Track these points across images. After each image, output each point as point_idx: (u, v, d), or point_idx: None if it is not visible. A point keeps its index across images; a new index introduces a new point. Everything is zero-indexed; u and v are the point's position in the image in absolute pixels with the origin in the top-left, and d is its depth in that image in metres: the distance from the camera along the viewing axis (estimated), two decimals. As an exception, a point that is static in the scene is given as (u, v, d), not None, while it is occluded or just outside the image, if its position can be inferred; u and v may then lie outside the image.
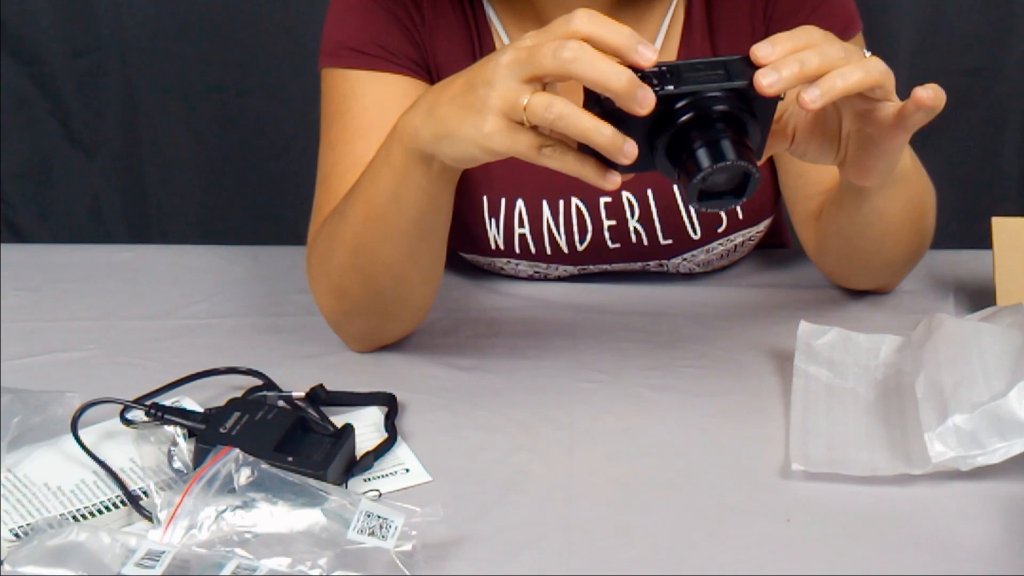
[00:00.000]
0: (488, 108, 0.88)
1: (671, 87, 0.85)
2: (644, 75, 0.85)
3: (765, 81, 0.85)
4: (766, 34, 1.16)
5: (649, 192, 1.19)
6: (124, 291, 1.27)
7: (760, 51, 0.86)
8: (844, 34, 1.16)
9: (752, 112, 0.87)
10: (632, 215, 1.20)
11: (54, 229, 2.12)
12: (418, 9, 1.17)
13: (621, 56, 0.85)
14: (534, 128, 0.88)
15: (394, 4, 1.16)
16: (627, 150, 0.86)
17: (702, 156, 0.86)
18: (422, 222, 1.03)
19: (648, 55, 0.85)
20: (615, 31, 0.86)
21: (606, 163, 0.89)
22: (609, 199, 1.20)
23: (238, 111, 2.05)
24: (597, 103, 0.86)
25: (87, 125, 2.08)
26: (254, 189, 2.11)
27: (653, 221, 1.20)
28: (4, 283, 1.26)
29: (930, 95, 0.91)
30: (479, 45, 1.18)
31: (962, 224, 1.77)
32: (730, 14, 1.16)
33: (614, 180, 0.89)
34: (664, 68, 0.85)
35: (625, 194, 1.20)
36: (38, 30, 2.01)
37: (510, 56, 0.88)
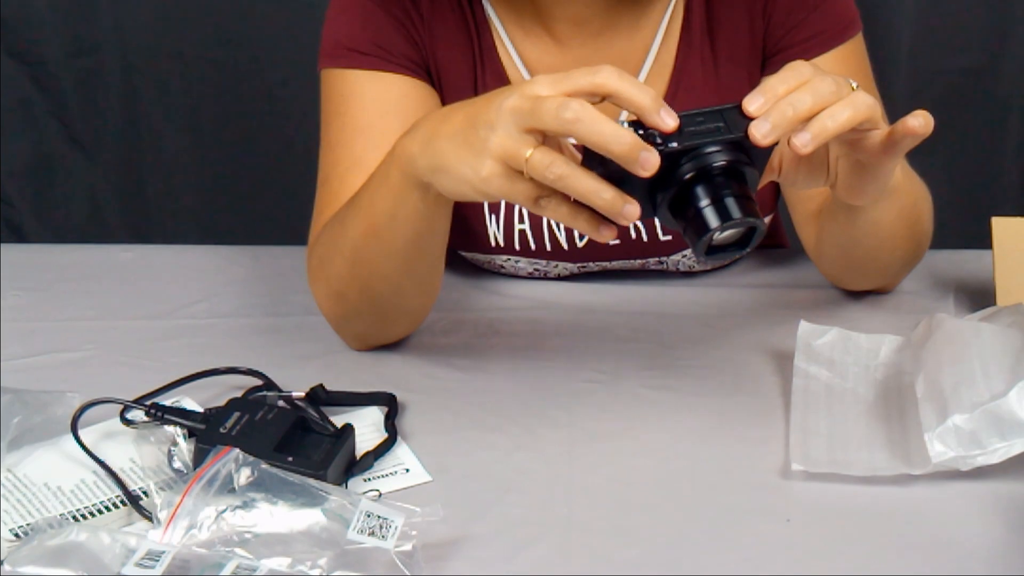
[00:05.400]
0: (487, 152, 0.88)
1: (674, 144, 0.84)
2: (646, 130, 0.84)
3: (759, 133, 0.85)
4: (765, 31, 1.16)
5: None
6: (124, 291, 1.26)
7: (752, 104, 0.86)
8: (844, 34, 1.16)
9: (751, 160, 0.87)
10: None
11: (54, 229, 2.13)
12: (417, 8, 1.17)
13: (642, 117, 0.85)
14: (531, 178, 0.87)
15: (393, 4, 1.16)
16: (628, 212, 0.86)
17: (709, 215, 0.85)
18: (418, 241, 1.03)
19: (670, 122, 0.84)
20: (640, 92, 0.85)
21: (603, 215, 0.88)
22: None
23: (238, 111, 2.05)
24: (599, 163, 0.86)
25: (87, 125, 2.08)
26: (254, 189, 2.11)
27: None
28: (4, 283, 1.26)
29: (920, 123, 0.90)
30: (479, 44, 1.18)
31: (962, 224, 1.77)
32: (729, 13, 1.16)
33: (609, 232, 0.89)
34: (639, 128, 0.85)
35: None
36: (38, 30, 2.01)
37: (515, 102, 0.87)
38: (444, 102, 1.19)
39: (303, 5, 1.93)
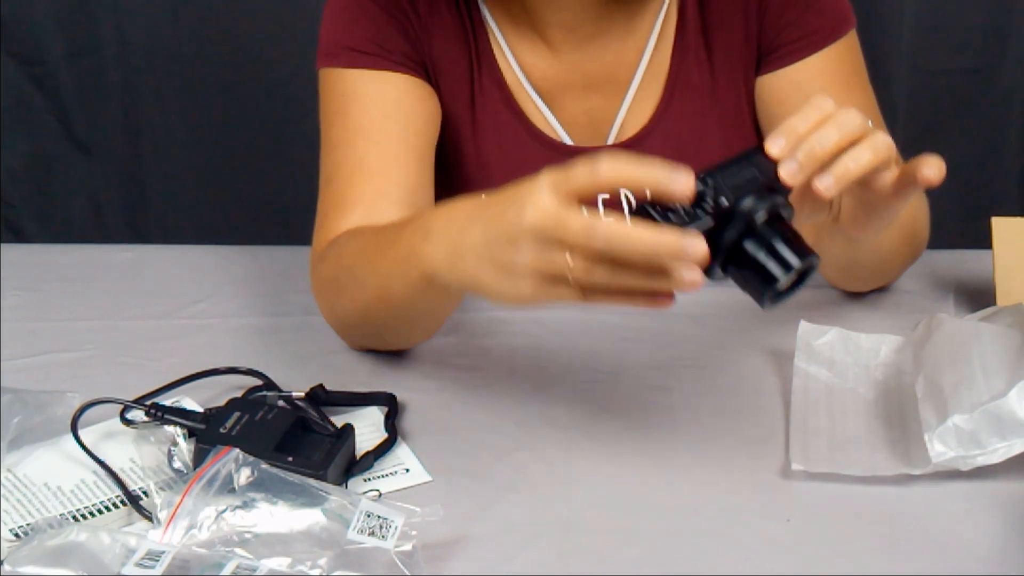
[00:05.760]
0: (521, 272, 0.84)
1: (724, 200, 0.82)
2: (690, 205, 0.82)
3: (788, 174, 0.83)
4: (759, 30, 1.16)
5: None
6: (124, 291, 1.26)
7: (774, 147, 0.84)
8: (838, 32, 1.16)
9: (786, 198, 0.85)
10: (630, 211, 1.20)
11: (54, 229, 2.13)
12: (414, 8, 1.17)
13: (657, 193, 0.82)
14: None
15: (391, 3, 1.16)
16: (692, 249, 0.80)
17: (773, 269, 0.83)
18: (435, 312, 1.05)
19: (685, 185, 0.81)
20: (644, 172, 0.81)
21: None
22: (607, 195, 1.20)
23: (238, 111, 2.05)
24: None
25: (87, 125, 2.08)
26: (254, 189, 2.11)
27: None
28: (4, 283, 1.26)
29: (935, 173, 0.88)
30: (475, 46, 1.18)
31: (962, 224, 1.76)
32: (723, 12, 1.16)
33: (667, 302, 0.85)
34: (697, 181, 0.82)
35: (623, 191, 1.20)
36: (38, 30, 2.01)
37: (534, 220, 0.82)
38: (441, 102, 1.19)
39: (303, 5, 1.93)
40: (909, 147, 2.24)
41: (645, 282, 0.83)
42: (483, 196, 0.89)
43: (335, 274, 1.08)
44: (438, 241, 0.91)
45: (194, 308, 1.23)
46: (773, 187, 0.84)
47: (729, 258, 0.84)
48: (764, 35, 1.16)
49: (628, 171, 0.82)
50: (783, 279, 0.83)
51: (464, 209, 0.90)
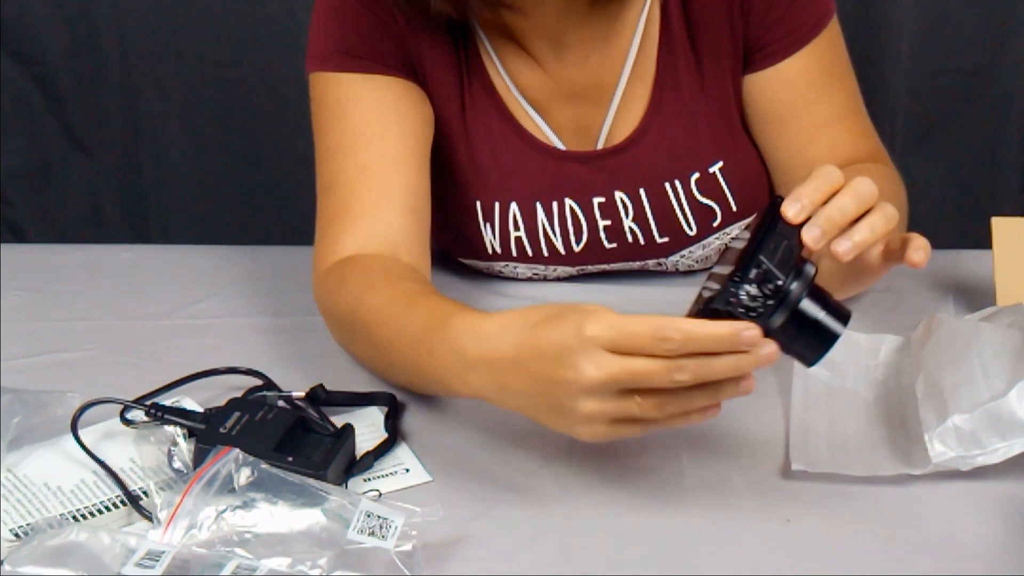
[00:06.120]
0: (583, 419, 0.85)
1: (779, 281, 0.83)
2: (730, 291, 0.82)
3: (811, 240, 0.85)
4: (744, 28, 1.16)
5: (642, 192, 1.19)
6: (124, 291, 1.27)
7: (791, 211, 0.86)
8: (821, 24, 1.16)
9: (807, 259, 0.88)
10: (627, 215, 1.20)
11: (54, 229, 2.13)
12: (403, 13, 1.16)
13: (726, 347, 0.81)
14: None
15: (378, 7, 1.15)
16: (749, 336, 0.81)
17: (818, 344, 0.86)
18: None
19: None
20: (711, 332, 0.81)
21: None
22: (603, 199, 1.20)
23: (238, 111, 2.05)
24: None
25: (87, 125, 2.08)
26: (254, 189, 2.11)
27: (648, 220, 1.20)
28: (4, 283, 1.26)
29: (922, 258, 0.90)
30: (465, 52, 1.17)
31: (962, 224, 1.76)
32: (706, 9, 1.15)
33: (716, 412, 0.86)
34: (737, 278, 0.83)
35: (619, 195, 1.20)
36: (38, 30, 2.01)
37: (597, 375, 0.82)
38: (432, 106, 1.18)
39: (303, 5, 1.93)
40: (909, 147, 2.24)
41: (711, 398, 0.84)
42: (515, 324, 0.87)
43: (349, 326, 1.07)
44: (482, 375, 0.90)
45: (194, 308, 1.23)
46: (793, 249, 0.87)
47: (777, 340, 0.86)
48: (750, 33, 1.16)
49: (697, 340, 0.81)
50: (843, 332, 0.86)
51: (500, 346, 0.88)
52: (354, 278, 1.07)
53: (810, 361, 0.87)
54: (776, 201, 0.88)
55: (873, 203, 0.88)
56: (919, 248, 0.90)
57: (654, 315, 0.82)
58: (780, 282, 0.83)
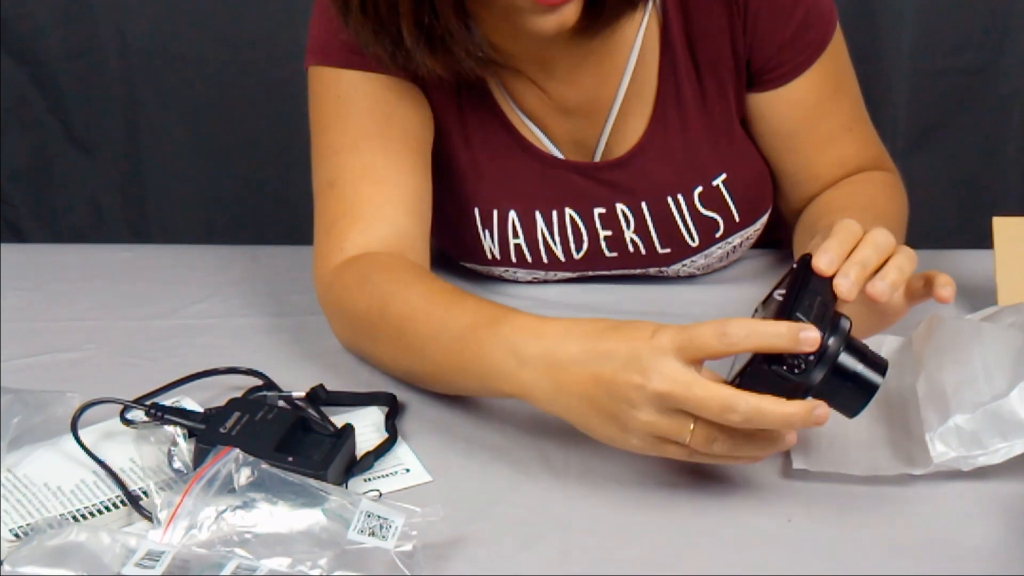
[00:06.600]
0: (637, 430, 0.87)
1: (822, 338, 0.85)
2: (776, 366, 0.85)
3: (845, 291, 0.88)
4: (749, 49, 1.14)
5: (644, 205, 1.19)
6: (124, 291, 1.26)
7: (822, 262, 0.89)
8: (825, 40, 1.15)
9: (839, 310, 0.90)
10: (628, 227, 1.20)
11: (54, 229, 2.13)
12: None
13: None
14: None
15: None
16: (819, 414, 0.85)
17: (858, 395, 0.88)
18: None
19: (814, 340, 0.84)
20: (772, 331, 0.84)
21: None
22: (603, 210, 1.20)
23: (238, 111, 2.05)
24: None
25: (87, 125, 2.08)
26: (254, 189, 2.11)
27: (649, 232, 1.20)
28: (4, 283, 1.26)
29: (949, 293, 0.93)
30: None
31: (962, 224, 1.77)
32: (706, 25, 1.14)
33: (756, 459, 0.90)
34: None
35: (620, 207, 1.19)
36: (38, 30, 2.01)
37: (663, 390, 0.85)
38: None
39: (303, 5, 1.93)
40: (909, 147, 2.24)
41: (757, 451, 0.88)
42: (579, 328, 0.90)
43: (373, 321, 1.05)
44: (538, 373, 0.91)
45: (194, 308, 1.23)
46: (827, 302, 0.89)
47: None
48: (755, 55, 1.15)
49: (757, 334, 0.84)
50: (881, 382, 0.88)
51: (564, 346, 0.90)
52: (380, 274, 1.07)
53: (852, 412, 0.89)
54: (805, 258, 0.90)
55: (892, 251, 0.92)
56: (945, 284, 0.93)
57: (718, 330, 0.85)
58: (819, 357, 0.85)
